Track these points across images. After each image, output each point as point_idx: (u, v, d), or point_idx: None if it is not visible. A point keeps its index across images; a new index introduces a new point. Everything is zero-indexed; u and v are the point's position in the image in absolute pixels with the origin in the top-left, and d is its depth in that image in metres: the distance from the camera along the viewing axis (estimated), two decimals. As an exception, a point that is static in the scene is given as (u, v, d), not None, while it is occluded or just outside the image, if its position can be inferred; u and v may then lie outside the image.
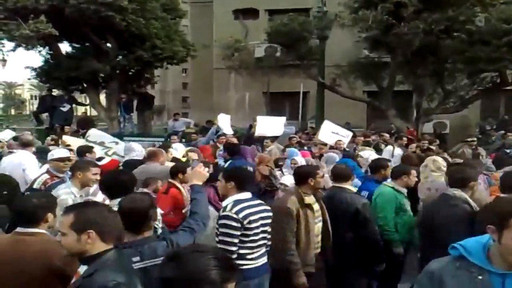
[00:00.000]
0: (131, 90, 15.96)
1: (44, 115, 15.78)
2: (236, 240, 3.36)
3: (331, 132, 10.64)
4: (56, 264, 2.57)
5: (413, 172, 5.01)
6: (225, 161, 6.74)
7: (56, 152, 5.19)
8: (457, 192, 3.71)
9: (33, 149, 6.82)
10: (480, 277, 2.04)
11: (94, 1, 11.85)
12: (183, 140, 11.37)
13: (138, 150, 6.47)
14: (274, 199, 4.96)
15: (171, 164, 5.51)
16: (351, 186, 4.71)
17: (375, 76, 15.32)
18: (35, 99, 61.09)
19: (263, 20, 20.83)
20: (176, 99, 41.13)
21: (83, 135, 12.25)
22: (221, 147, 8.69)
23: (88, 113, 26.07)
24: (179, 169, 5.05)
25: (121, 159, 6.39)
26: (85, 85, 15.12)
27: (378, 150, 9.15)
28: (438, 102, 15.02)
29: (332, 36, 15.44)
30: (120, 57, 14.45)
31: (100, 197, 4.02)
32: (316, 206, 4.17)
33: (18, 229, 2.84)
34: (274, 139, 10.20)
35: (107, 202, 3.46)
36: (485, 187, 5.29)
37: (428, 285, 2.18)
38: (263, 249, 3.64)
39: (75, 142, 7.54)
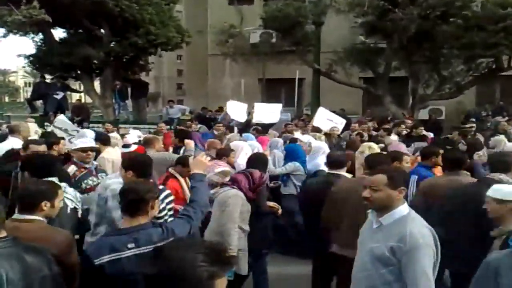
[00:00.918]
0: (125, 77, 15.85)
1: (39, 103, 15.68)
2: None
3: (326, 119, 10.68)
4: (53, 252, 2.55)
5: (406, 158, 5.05)
6: (176, 148, 6.66)
7: (79, 142, 5.05)
8: (503, 177, 3.79)
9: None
10: None
11: (87, -14, 11.73)
12: (177, 127, 11.39)
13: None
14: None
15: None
16: (345, 172, 4.71)
17: (371, 62, 15.26)
18: (29, 86, 60.55)
19: (258, 6, 20.59)
20: (171, 86, 41.00)
21: (78, 123, 12.25)
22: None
23: (83, 100, 25.89)
24: (180, 161, 4.94)
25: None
26: (78, 72, 15.00)
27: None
28: (434, 88, 14.99)
29: (328, 21, 15.33)
30: (114, 43, 14.32)
31: None
32: None
33: (15, 216, 2.83)
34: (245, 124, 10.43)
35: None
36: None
37: (485, 275, 2.24)
38: None
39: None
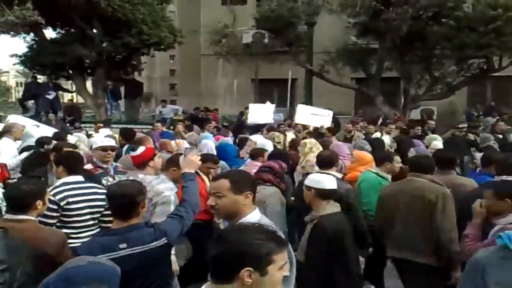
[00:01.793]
0: (117, 77, 15.80)
1: (30, 103, 15.59)
2: (51, 221, 3.42)
3: (310, 114, 10.66)
4: (48, 252, 2.54)
5: (397, 158, 5.08)
6: (121, 147, 6.68)
7: (100, 141, 4.90)
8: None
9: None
10: None
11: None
12: (171, 127, 11.36)
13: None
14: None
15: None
16: (335, 172, 4.72)
17: (363, 63, 15.33)
18: (21, 86, 60.13)
19: (251, 6, 20.61)
20: (163, 86, 40.81)
21: (70, 123, 12.19)
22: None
23: (75, 100, 25.77)
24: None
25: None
26: (70, 71, 14.93)
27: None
28: (426, 89, 15.09)
29: (320, 22, 15.37)
30: (106, 43, 14.27)
31: None
32: None
33: (6, 216, 2.81)
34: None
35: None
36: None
37: (472, 274, 2.23)
38: (95, 230, 3.63)
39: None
